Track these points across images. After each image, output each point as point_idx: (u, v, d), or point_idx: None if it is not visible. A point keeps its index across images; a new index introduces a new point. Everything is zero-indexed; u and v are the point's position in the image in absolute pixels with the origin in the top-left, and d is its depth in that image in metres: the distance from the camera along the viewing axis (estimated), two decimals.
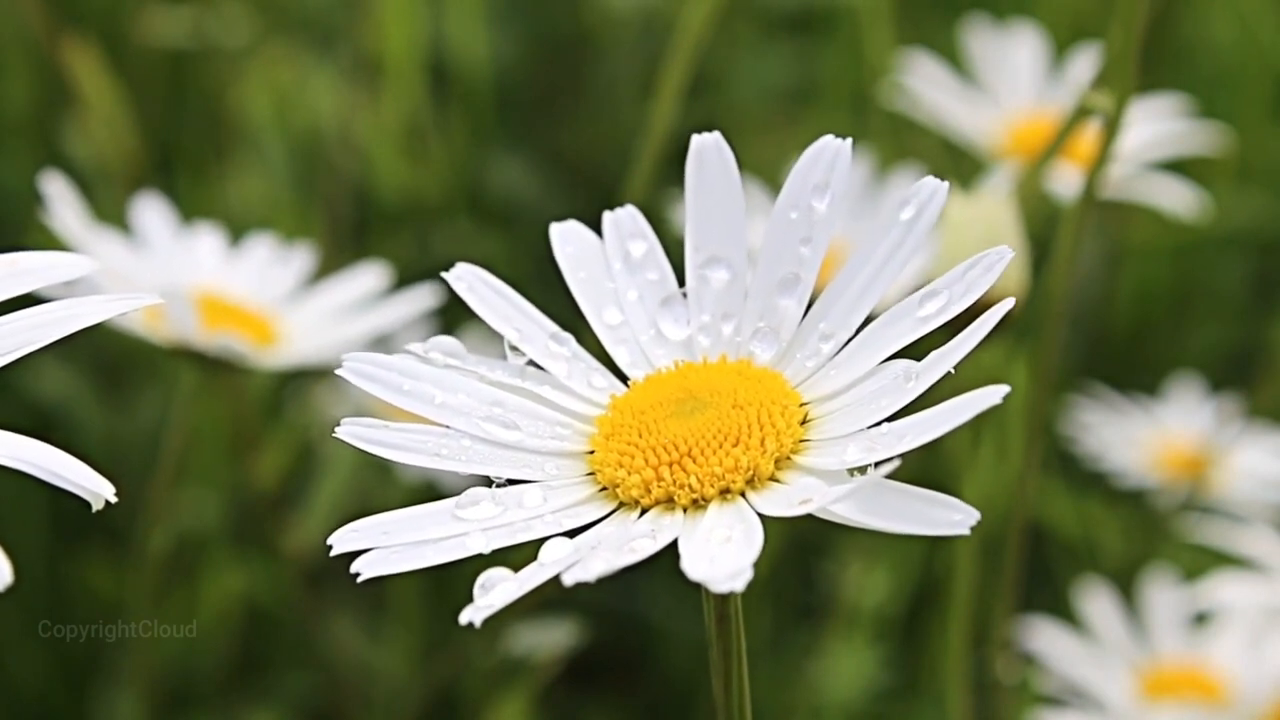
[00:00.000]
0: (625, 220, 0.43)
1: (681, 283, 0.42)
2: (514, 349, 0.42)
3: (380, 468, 0.84)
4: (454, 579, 0.83)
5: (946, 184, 0.39)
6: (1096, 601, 0.81)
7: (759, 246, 0.41)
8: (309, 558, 0.79)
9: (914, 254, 0.38)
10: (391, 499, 0.84)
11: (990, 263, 0.37)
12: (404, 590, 0.86)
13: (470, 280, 0.42)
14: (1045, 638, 0.78)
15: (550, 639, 0.81)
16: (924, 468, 0.74)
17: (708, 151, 0.42)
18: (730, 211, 0.42)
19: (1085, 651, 0.79)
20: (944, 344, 0.36)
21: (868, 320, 0.39)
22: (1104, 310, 1.07)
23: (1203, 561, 0.84)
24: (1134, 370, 1.04)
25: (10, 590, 0.32)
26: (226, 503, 0.88)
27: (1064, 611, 0.82)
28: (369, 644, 0.86)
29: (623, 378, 0.41)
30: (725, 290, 0.41)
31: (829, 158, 0.40)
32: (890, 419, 0.36)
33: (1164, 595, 0.81)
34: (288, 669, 0.89)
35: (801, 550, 0.91)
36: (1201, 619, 0.81)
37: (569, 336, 0.42)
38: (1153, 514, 0.92)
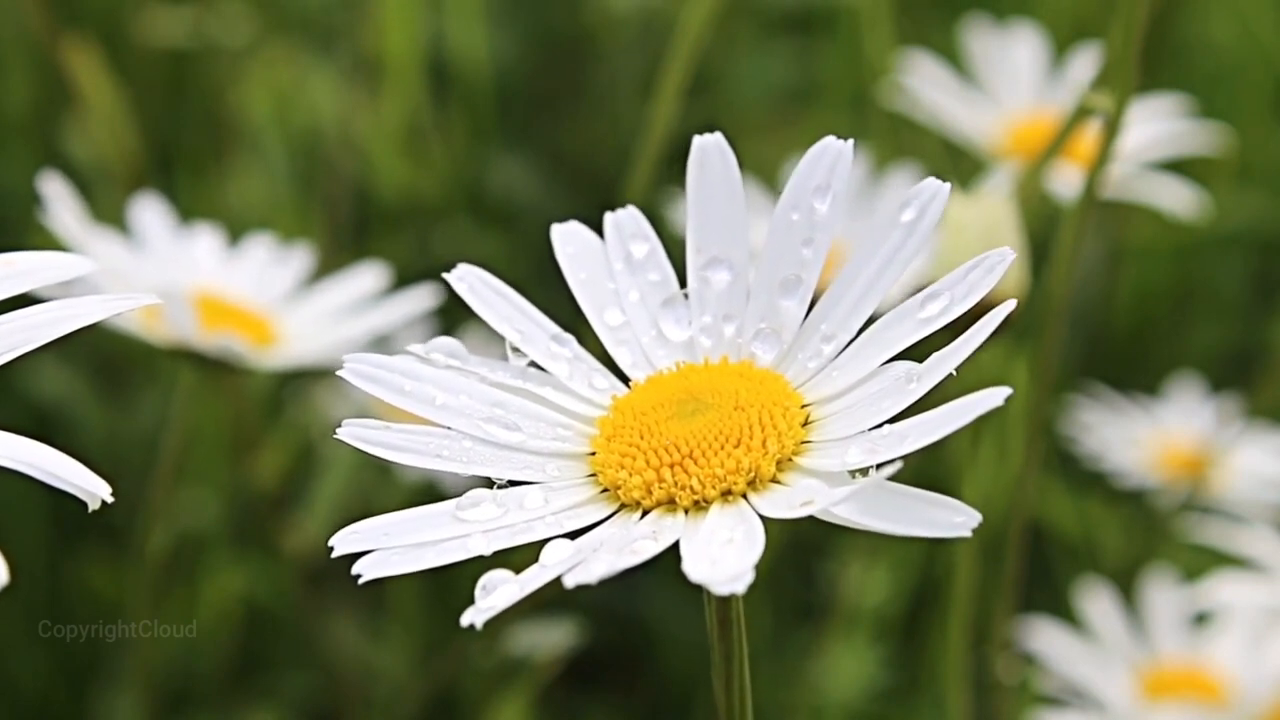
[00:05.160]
0: (626, 221, 0.43)
1: (683, 283, 0.42)
2: (515, 350, 0.42)
3: (380, 468, 0.84)
4: (454, 580, 0.83)
5: (948, 185, 0.39)
6: (1096, 601, 0.81)
7: (760, 248, 0.41)
8: (309, 558, 0.79)
9: (915, 256, 0.38)
10: (392, 500, 0.84)
11: (992, 264, 0.37)
12: (404, 591, 0.86)
13: (472, 281, 0.42)
14: (1045, 638, 0.78)
15: (550, 639, 0.81)
16: (925, 468, 0.74)
17: (709, 153, 0.42)
18: (732, 213, 0.42)
19: (1085, 651, 0.79)
20: (946, 345, 0.36)
21: (869, 322, 0.39)
22: (1104, 310, 1.07)
23: (1203, 561, 0.84)
24: (1134, 370, 1.04)
25: (10, 590, 0.32)
26: (226, 503, 0.88)
27: (1064, 611, 0.82)
28: (369, 644, 0.86)
29: (624, 379, 0.41)
30: (727, 291, 0.41)
31: (830, 159, 0.40)
32: (892, 420, 0.36)
33: (1164, 595, 0.81)
34: (288, 669, 0.89)
35: (801, 550, 0.91)
36: (1201, 619, 0.81)
37: (570, 338, 0.42)
38: (1153, 514, 0.92)
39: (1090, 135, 0.62)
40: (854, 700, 0.85)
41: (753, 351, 0.40)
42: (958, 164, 0.91)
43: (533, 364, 0.41)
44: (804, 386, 0.39)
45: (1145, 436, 0.96)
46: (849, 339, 0.39)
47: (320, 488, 0.81)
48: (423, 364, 0.41)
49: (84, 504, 0.35)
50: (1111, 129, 0.58)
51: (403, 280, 0.76)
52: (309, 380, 0.86)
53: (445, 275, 0.42)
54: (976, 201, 0.58)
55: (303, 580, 0.81)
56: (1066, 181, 0.78)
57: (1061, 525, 0.91)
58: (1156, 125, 0.90)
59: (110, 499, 0.34)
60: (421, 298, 0.73)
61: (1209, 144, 0.90)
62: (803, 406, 0.38)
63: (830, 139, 0.40)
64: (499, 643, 0.81)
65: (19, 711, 0.86)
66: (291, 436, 0.80)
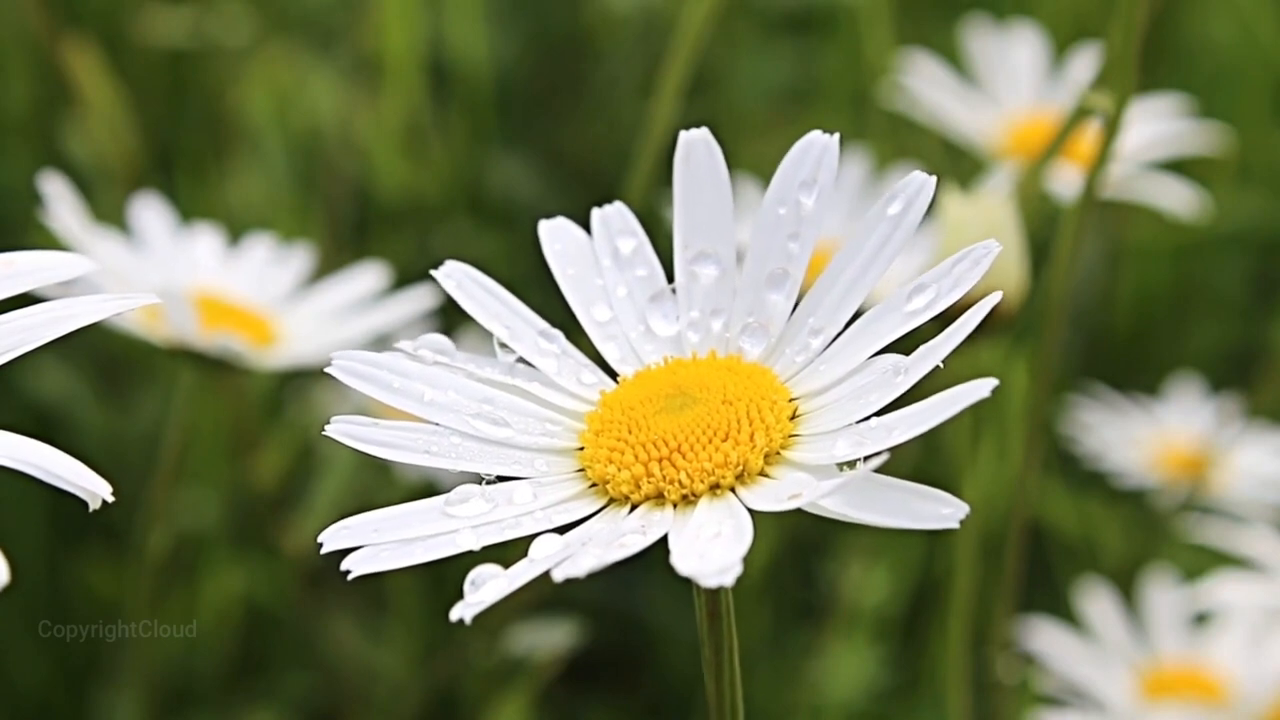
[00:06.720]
0: (614, 217, 0.43)
1: (671, 279, 0.42)
2: (503, 346, 0.42)
3: (380, 467, 0.84)
4: (453, 578, 0.83)
5: (934, 178, 0.39)
6: (1096, 601, 0.81)
7: (748, 242, 0.41)
8: (309, 558, 0.79)
9: (902, 249, 0.38)
10: (392, 499, 0.84)
11: (977, 257, 0.37)
12: (404, 590, 0.86)
13: (459, 278, 0.42)
14: (1045, 638, 0.78)
15: (550, 639, 0.81)
16: (925, 467, 0.74)
17: (696, 148, 0.42)
18: (719, 207, 0.42)
19: (1085, 651, 0.79)
20: (934, 338, 0.36)
21: (857, 315, 0.39)
22: (1104, 310, 1.06)
23: (1203, 561, 0.84)
24: (1134, 370, 1.04)
25: (10, 590, 0.32)
26: (226, 503, 0.88)
27: (1064, 611, 0.82)
28: (369, 644, 0.86)
29: (612, 374, 0.41)
30: (714, 286, 0.41)
31: (817, 154, 0.40)
32: (879, 413, 0.36)
33: (1164, 595, 0.81)
34: (288, 669, 0.89)
35: (801, 549, 0.91)
36: (1201, 619, 0.81)
37: (558, 333, 0.42)
38: (1153, 514, 0.92)
39: (1090, 135, 0.62)
40: (854, 700, 0.85)
41: (740, 346, 0.40)
42: (958, 164, 0.91)
43: (521, 359, 0.41)
44: (792, 380, 0.39)
45: (1145, 436, 0.96)
46: (836, 332, 0.39)
47: (320, 488, 0.81)
48: (411, 361, 0.41)
49: (84, 504, 0.35)
50: (1111, 129, 0.58)
51: (403, 280, 0.76)
52: (309, 380, 0.86)
53: (433, 273, 0.42)
54: (976, 201, 0.58)
55: (303, 580, 0.81)
56: (1066, 181, 0.78)
57: (1061, 525, 0.91)
58: (1156, 125, 0.90)
59: (110, 499, 0.34)
60: (421, 298, 0.73)
61: (1209, 144, 0.90)
62: (790, 400, 0.38)
63: (816, 134, 0.40)
64: (499, 643, 0.81)
65: (19, 711, 0.86)
66: (291, 436, 0.80)
